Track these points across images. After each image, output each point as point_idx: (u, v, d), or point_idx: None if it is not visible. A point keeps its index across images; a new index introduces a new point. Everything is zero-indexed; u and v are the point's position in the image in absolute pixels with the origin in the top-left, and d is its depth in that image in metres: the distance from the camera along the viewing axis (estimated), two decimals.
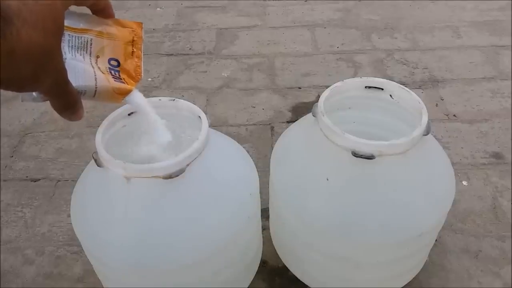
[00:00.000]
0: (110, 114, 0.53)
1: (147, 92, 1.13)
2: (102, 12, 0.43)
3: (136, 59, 0.46)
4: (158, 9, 1.49)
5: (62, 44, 0.38)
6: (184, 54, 1.27)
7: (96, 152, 0.48)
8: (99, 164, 0.48)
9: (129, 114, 0.54)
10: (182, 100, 0.55)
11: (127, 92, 0.45)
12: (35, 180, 0.91)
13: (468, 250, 0.75)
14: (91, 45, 0.42)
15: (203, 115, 0.52)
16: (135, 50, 0.46)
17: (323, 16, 1.42)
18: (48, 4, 0.33)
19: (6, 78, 0.31)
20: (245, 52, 1.27)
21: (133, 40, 0.45)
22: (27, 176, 0.92)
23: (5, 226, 0.82)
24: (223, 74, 1.19)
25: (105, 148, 0.48)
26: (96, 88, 0.42)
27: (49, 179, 0.91)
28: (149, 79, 1.18)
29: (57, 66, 0.35)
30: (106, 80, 0.43)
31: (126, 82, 0.45)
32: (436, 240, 0.73)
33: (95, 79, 0.42)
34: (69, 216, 0.59)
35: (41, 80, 0.34)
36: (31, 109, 1.07)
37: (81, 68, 0.41)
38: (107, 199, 0.51)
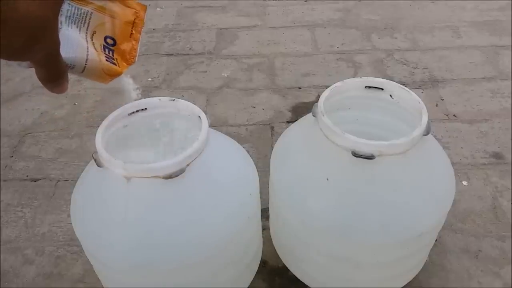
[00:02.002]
0: (110, 114, 0.53)
1: (147, 92, 1.13)
2: None
3: (133, 42, 0.44)
4: (158, 9, 1.49)
5: (59, 13, 0.36)
6: (184, 54, 1.27)
7: (96, 152, 0.48)
8: (99, 164, 0.48)
9: (129, 114, 0.54)
10: (182, 100, 0.55)
11: (116, 74, 0.43)
12: (35, 180, 0.91)
13: (468, 250, 0.75)
14: (89, 18, 0.41)
15: (203, 115, 0.52)
16: (134, 32, 0.44)
17: (323, 16, 1.42)
18: None
19: None
20: (245, 52, 1.27)
21: (134, 22, 0.44)
22: (27, 176, 0.92)
23: (5, 226, 0.82)
24: (223, 74, 1.19)
25: (105, 148, 0.48)
26: (86, 64, 0.40)
27: (49, 179, 0.91)
28: (149, 79, 1.18)
29: (51, 38, 0.34)
30: (97, 58, 0.41)
31: (118, 64, 0.43)
32: (436, 240, 0.73)
33: (87, 54, 0.40)
34: (69, 216, 0.58)
35: (33, 51, 0.33)
36: (31, 109, 1.07)
37: (75, 41, 0.39)
38: (107, 199, 0.51)
